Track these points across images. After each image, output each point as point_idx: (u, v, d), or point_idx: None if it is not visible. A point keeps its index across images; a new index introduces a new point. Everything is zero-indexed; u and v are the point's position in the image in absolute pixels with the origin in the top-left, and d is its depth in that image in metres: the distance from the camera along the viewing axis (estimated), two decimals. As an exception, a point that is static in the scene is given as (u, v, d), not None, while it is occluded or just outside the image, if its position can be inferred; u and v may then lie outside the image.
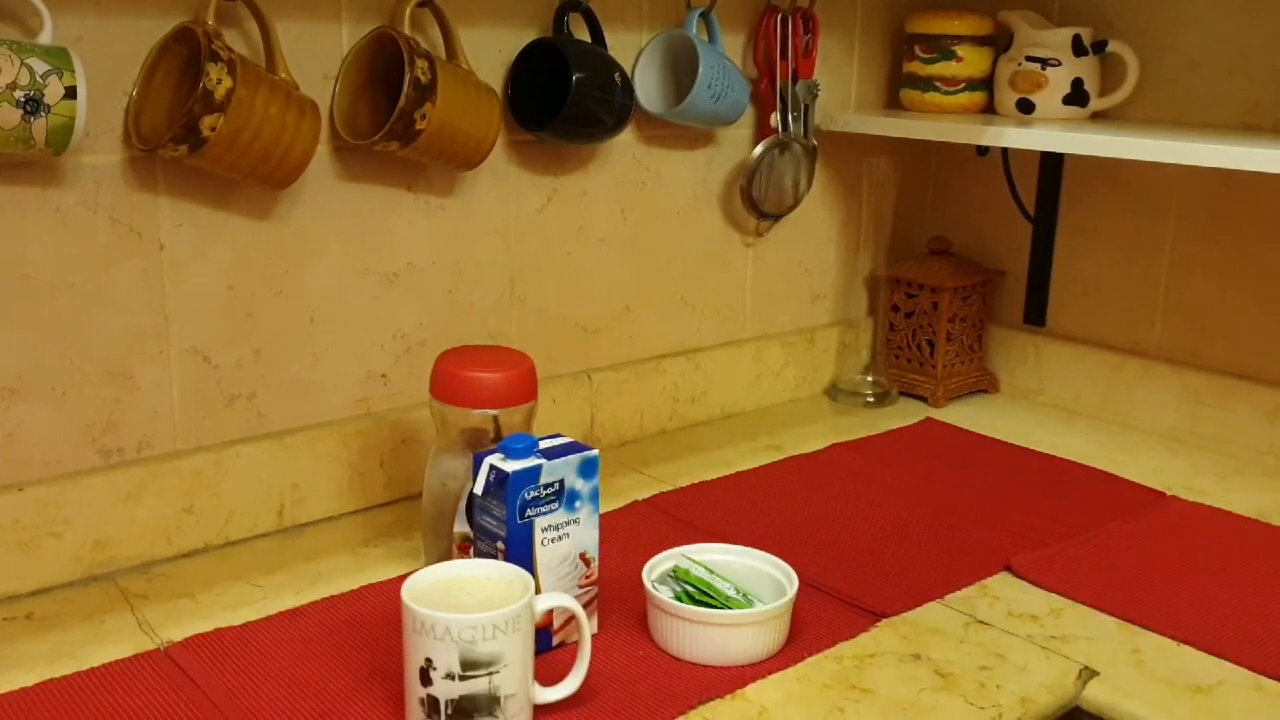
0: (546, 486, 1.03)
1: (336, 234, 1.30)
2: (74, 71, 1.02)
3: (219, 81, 1.08)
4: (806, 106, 1.64)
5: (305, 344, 1.30)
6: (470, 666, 0.90)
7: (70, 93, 1.01)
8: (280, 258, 1.26)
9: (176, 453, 1.23)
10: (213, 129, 1.08)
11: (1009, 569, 1.24)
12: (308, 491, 1.32)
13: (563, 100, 1.33)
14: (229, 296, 1.24)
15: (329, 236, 1.29)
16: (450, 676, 0.90)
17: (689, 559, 1.15)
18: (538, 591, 0.99)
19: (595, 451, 1.07)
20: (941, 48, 1.66)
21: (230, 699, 0.99)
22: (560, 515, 1.05)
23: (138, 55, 1.13)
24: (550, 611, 1.04)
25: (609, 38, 1.42)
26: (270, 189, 1.21)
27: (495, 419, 1.14)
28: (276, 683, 1.01)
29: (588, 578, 1.08)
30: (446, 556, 1.13)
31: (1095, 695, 1.04)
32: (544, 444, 1.06)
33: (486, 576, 0.98)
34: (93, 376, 1.17)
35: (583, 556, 1.07)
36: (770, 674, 1.04)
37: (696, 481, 1.46)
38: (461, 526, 1.10)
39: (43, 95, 1.00)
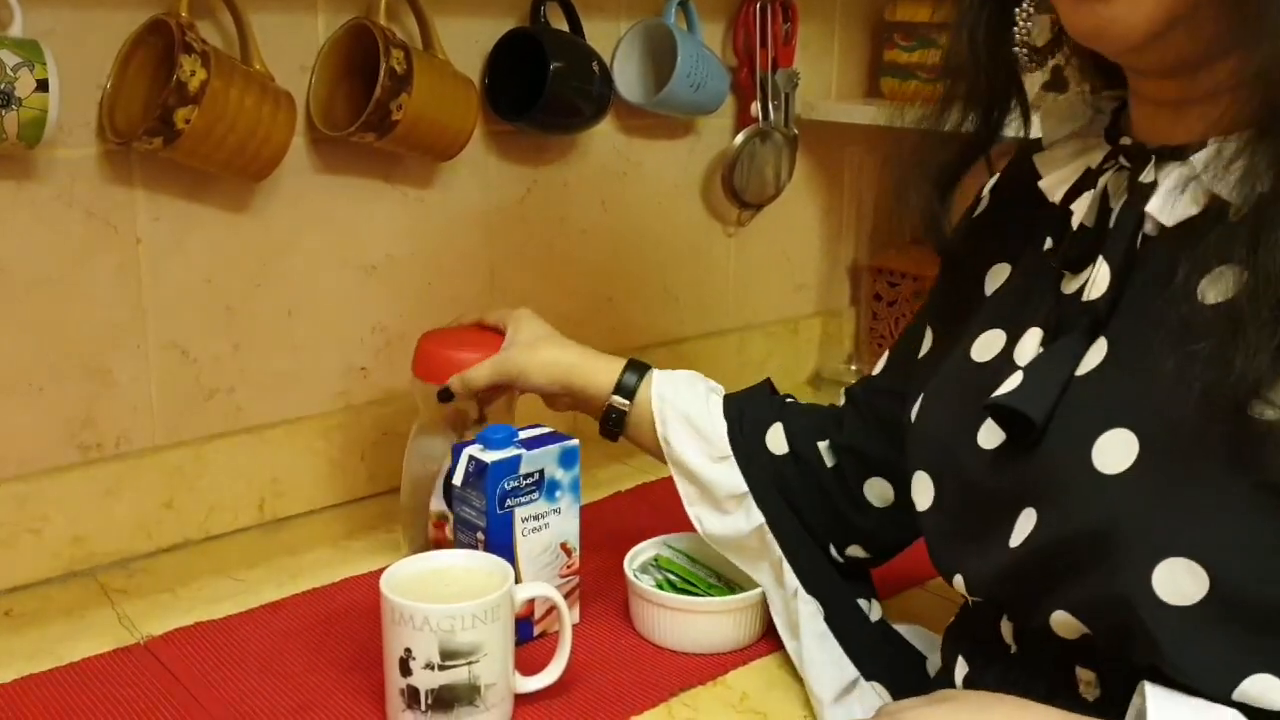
0: (526, 476, 1.03)
1: (314, 226, 1.29)
2: (46, 64, 1.01)
3: (193, 73, 1.07)
4: (786, 95, 1.64)
5: (284, 337, 1.29)
6: (450, 656, 0.90)
7: (42, 86, 1.01)
8: (258, 250, 1.26)
9: (155, 448, 1.23)
10: (187, 121, 1.08)
11: (991, 554, 1.25)
12: (288, 485, 1.31)
13: (541, 90, 1.32)
14: (207, 290, 1.23)
15: (306, 229, 1.28)
16: (430, 666, 0.90)
17: (670, 547, 1.15)
18: (518, 581, 0.99)
19: (575, 441, 1.07)
20: (922, 35, 1.66)
21: (211, 692, 0.98)
22: (541, 505, 1.04)
23: (111, 48, 1.12)
24: (531, 601, 1.04)
25: (587, 27, 1.42)
26: (247, 181, 1.21)
27: (478, 399, 1.14)
28: (257, 675, 1.01)
29: (569, 567, 1.08)
30: (426, 542, 1.13)
31: (1077, 678, 1.04)
32: (524, 434, 1.06)
33: (465, 567, 0.98)
34: (70, 372, 1.16)
35: (563, 546, 1.07)
36: (752, 660, 1.04)
37: (679, 471, 1.45)
38: (438, 505, 1.10)
39: (14, 88, 0.99)
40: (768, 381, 1.13)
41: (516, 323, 1.13)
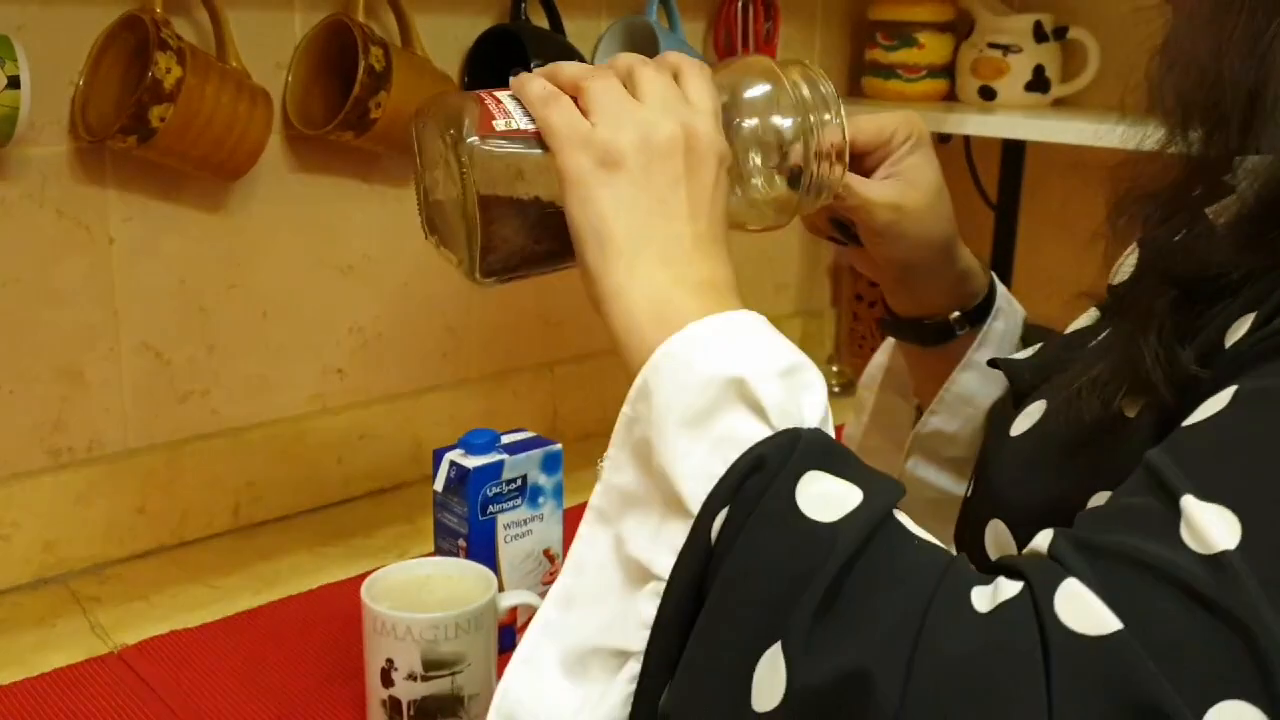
0: (509, 482, 1.01)
1: (290, 226, 1.27)
2: (17, 60, 0.99)
3: (168, 70, 1.05)
4: (768, 94, 1.63)
5: (259, 339, 1.27)
6: (433, 666, 0.88)
7: (13, 82, 0.99)
8: (233, 251, 1.23)
9: (128, 451, 1.20)
10: (162, 119, 1.05)
11: (976, 559, 1.24)
12: (263, 490, 1.29)
13: (521, 88, 1.31)
14: (181, 291, 1.21)
15: (282, 228, 1.26)
16: (412, 677, 0.88)
17: (654, 553, 1.13)
18: (501, 589, 0.97)
19: (558, 446, 1.05)
20: (903, 35, 1.65)
21: (186, 703, 0.96)
22: (523, 511, 1.03)
23: (83, 43, 1.09)
24: (514, 609, 1.02)
25: (568, 25, 1.40)
26: (222, 180, 1.19)
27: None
28: (234, 686, 0.99)
29: (551, 574, 1.06)
30: None
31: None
32: (506, 439, 1.05)
33: (447, 575, 0.96)
34: (41, 374, 1.14)
35: (547, 553, 1.06)
36: (738, 669, 1.03)
37: (660, 474, 1.44)
38: None
39: (-17, 84, 0.97)
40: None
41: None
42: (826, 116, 0.72)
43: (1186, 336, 0.58)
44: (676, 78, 0.68)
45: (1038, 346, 0.79)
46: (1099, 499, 0.59)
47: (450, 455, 1.01)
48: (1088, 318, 0.79)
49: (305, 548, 1.25)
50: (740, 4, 1.58)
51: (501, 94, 0.68)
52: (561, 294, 1.52)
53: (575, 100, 0.67)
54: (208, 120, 1.09)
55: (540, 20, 1.39)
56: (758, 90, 0.72)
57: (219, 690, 0.98)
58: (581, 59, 1.38)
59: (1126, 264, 0.74)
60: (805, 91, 0.72)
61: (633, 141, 0.64)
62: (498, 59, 1.33)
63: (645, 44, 1.45)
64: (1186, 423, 0.53)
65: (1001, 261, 1.78)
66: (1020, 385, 0.74)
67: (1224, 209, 0.62)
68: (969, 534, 0.70)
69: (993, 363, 0.79)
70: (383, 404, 1.37)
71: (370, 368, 1.36)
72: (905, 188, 0.80)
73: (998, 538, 0.66)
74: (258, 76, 1.17)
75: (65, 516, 1.16)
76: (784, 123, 0.72)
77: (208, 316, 1.23)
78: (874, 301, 1.79)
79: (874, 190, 0.80)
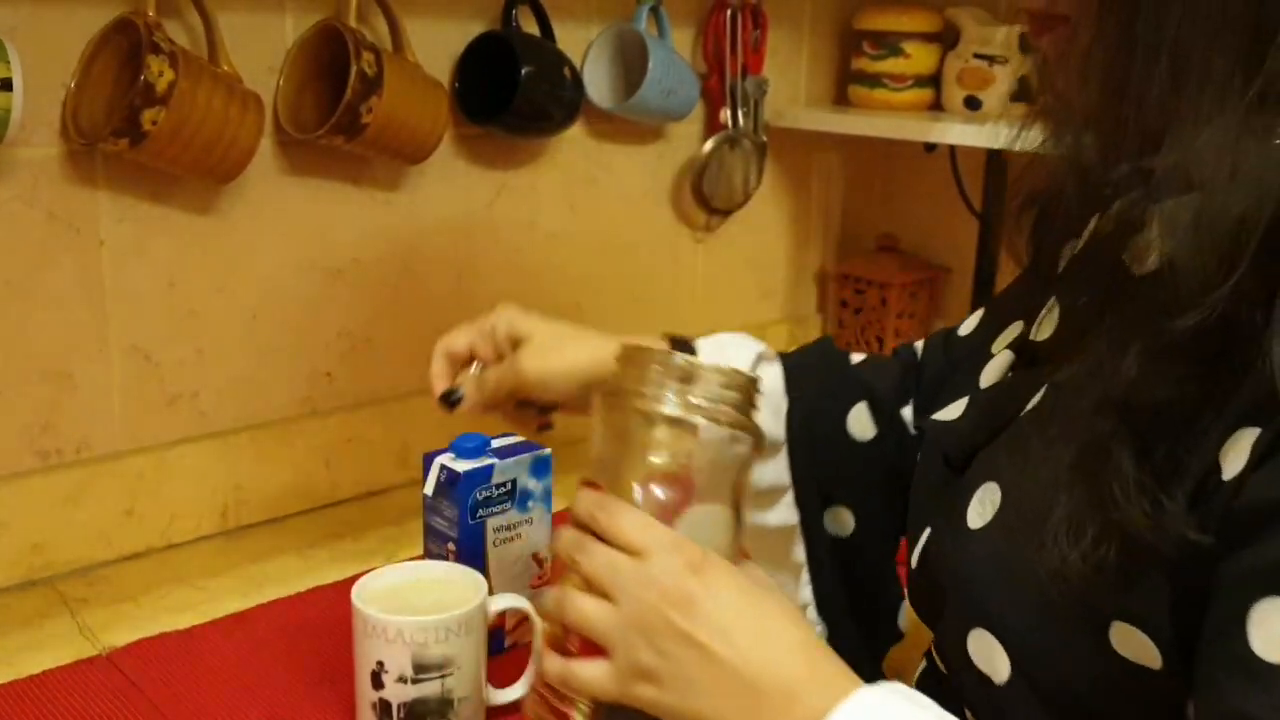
0: (498, 486, 1.02)
1: (280, 229, 1.27)
2: (9, 63, 0.99)
3: (160, 74, 1.05)
4: (756, 102, 1.64)
5: (248, 342, 1.27)
6: (422, 669, 0.88)
7: (5, 85, 0.99)
8: (223, 254, 1.24)
9: (117, 453, 1.20)
10: (154, 122, 1.06)
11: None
12: (251, 492, 1.29)
13: (511, 94, 1.31)
14: (170, 293, 1.21)
15: (272, 232, 1.27)
16: (402, 679, 0.88)
17: (642, 558, 1.14)
18: (490, 593, 0.98)
19: (548, 450, 1.06)
20: (890, 44, 1.67)
21: (175, 705, 0.97)
22: (513, 515, 1.03)
23: (76, 46, 1.10)
24: (503, 613, 1.02)
25: (557, 31, 1.41)
26: (212, 183, 1.19)
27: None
28: (223, 688, 0.99)
29: (540, 578, 1.07)
30: None
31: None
32: (496, 443, 1.05)
33: (437, 578, 0.96)
34: (30, 376, 1.14)
35: (535, 557, 1.06)
36: (725, 673, 1.03)
37: (647, 479, 1.44)
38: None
39: (-23, 86, 0.97)
40: (829, 343, 0.96)
41: (516, 325, 0.96)
42: (659, 390, 0.68)
43: (1165, 477, 0.54)
44: (603, 535, 0.65)
45: (964, 405, 0.74)
46: (1120, 630, 0.57)
47: (440, 459, 1.02)
48: (997, 368, 0.74)
49: (293, 550, 1.25)
50: (729, 12, 1.59)
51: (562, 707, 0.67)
52: (549, 299, 1.53)
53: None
54: (199, 124, 1.09)
55: (531, 27, 1.40)
56: (642, 457, 0.67)
57: (208, 692, 0.98)
58: (571, 66, 1.39)
59: (1049, 318, 0.71)
60: (650, 401, 0.67)
61: (644, 650, 0.62)
62: (488, 64, 1.34)
63: (634, 51, 1.46)
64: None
65: (985, 271, 1.79)
66: (955, 454, 0.71)
67: (1141, 252, 0.59)
68: (949, 639, 0.67)
69: (919, 427, 0.76)
70: (371, 407, 1.37)
71: (359, 371, 1.36)
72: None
73: (985, 650, 0.63)
74: (249, 80, 1.17)
75: (54, 518, 1.16)
76: (659, 458, 0.67)
77: (197, 319, 1.23)
78: (859, 309, 1.80)
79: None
